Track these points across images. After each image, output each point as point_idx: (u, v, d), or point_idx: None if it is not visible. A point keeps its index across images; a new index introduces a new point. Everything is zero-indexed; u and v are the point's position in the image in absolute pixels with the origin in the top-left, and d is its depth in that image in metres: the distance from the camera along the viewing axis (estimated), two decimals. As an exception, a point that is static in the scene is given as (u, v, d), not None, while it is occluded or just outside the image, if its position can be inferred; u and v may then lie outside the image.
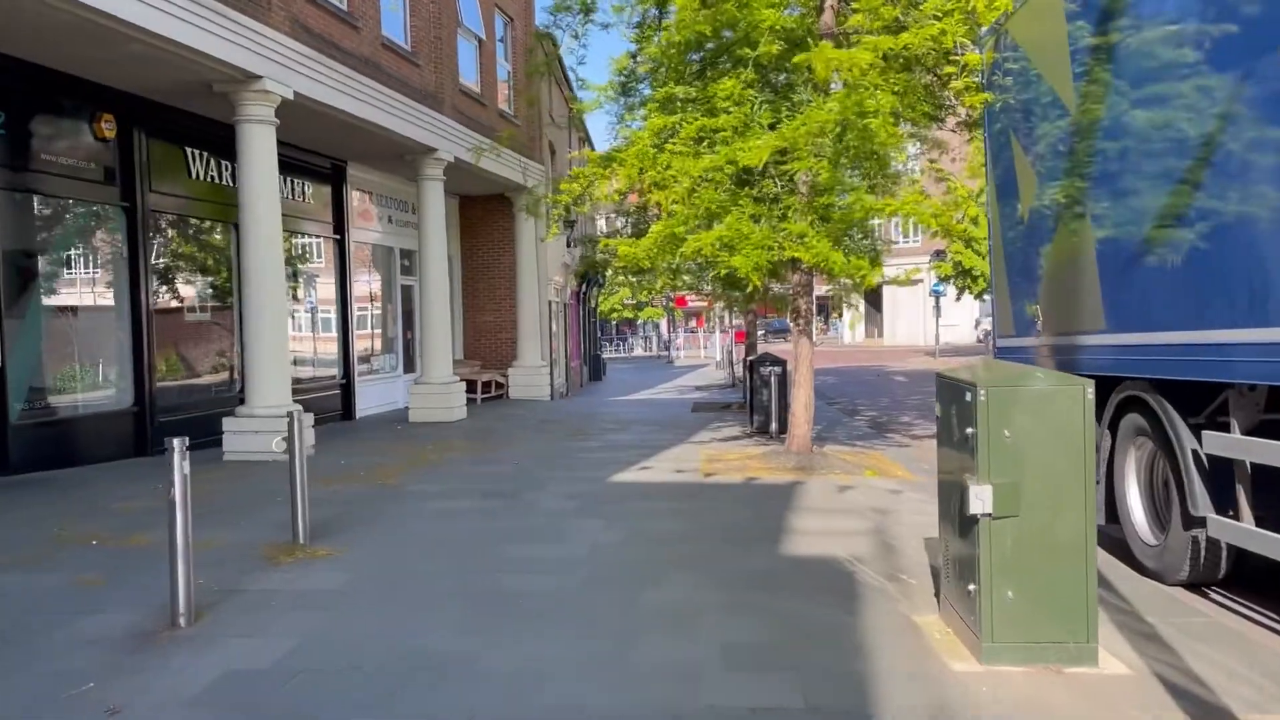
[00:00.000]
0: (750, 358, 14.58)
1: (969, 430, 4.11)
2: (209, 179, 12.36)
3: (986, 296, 38.01)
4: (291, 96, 10.90)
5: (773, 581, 5.51)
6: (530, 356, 19.88)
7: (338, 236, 15.59)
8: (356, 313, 16.25)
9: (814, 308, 10.54)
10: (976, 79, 8.01)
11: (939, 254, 35.74)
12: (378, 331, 17.84)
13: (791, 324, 10.41)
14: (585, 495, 8.47)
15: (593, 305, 34.68)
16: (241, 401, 11.15)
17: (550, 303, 21.79)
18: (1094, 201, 6.06)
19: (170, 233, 12.13)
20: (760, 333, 29.10)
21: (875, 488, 8.65)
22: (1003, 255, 7.61)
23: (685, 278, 17.61)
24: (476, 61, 17.42)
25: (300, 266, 14.82)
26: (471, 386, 18.82)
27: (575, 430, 14.04)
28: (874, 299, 52.50)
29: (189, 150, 12.04)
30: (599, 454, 11.27)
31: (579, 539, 6.70)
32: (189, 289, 12.36)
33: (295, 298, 14.59)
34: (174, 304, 12.01)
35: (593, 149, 21.52)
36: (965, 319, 48.13)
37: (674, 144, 9.03)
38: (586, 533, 6.89)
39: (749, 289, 9.91)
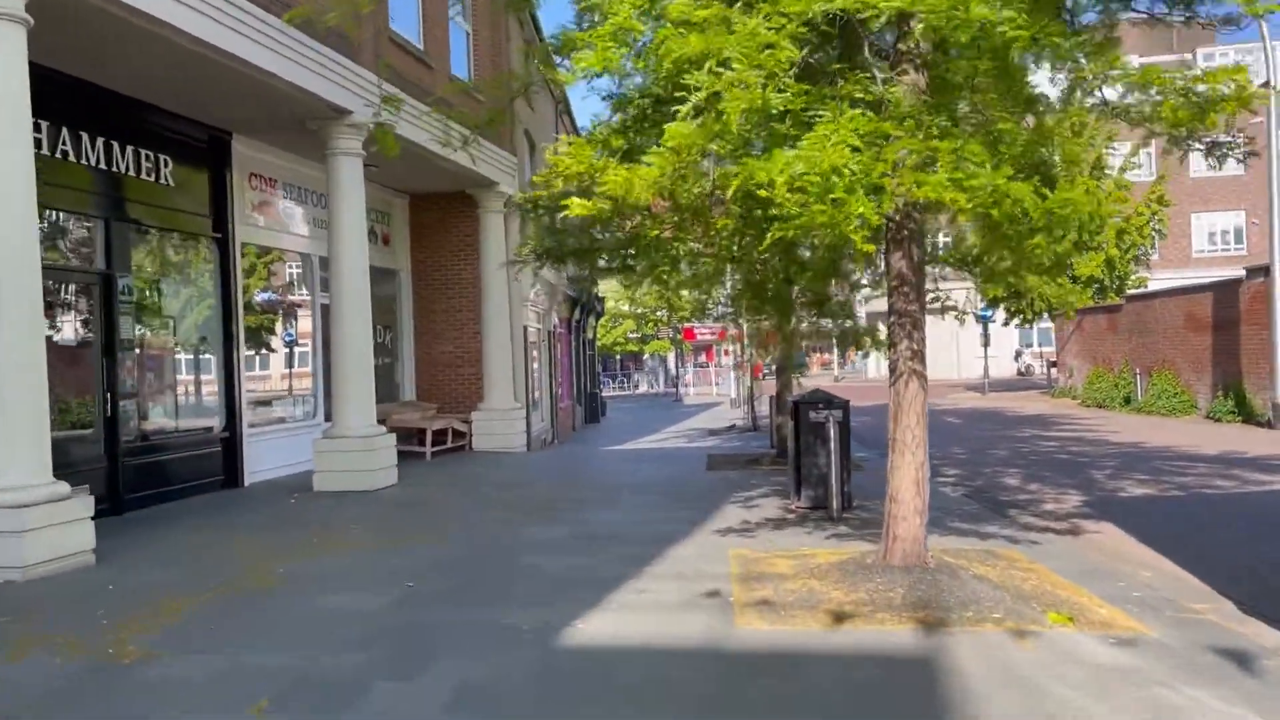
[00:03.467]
0: (794, 396, 10.00)
1: None
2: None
3: (1041, 324, 33.38)
4: (62, -14, 6.68)
5: None
6: (500, 397, 15.45)
7: (218, 235, 11.25)
8: (247, 341, 11.87)
9: (924, 317, 6.06)
10: None
11: (982, 275, 31.24)
12: (297, 369, 13.50)
13: (888, 345, 6.00)
14: (496, 697, 4.04)
15: (590, 336, 30.30)
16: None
17: (528, 329, 17.40)
18: None
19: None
20: (765, 372, 23.99)
21: (1093, 664, 4.20)
22: None
23: (684, 294, 13.42)
24: (418, 8, 13.22)
25: (150, 273, 10.44)
26: (421, 437, 14.44)
27: (540, 505, 9.59)
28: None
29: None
30: (560, 560, 6.83)
31: None
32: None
33: (141, 319, 10.24)
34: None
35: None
36: (1004, 351, 43.75)
37: (682, 5, 4.71)
38: None
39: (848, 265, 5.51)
